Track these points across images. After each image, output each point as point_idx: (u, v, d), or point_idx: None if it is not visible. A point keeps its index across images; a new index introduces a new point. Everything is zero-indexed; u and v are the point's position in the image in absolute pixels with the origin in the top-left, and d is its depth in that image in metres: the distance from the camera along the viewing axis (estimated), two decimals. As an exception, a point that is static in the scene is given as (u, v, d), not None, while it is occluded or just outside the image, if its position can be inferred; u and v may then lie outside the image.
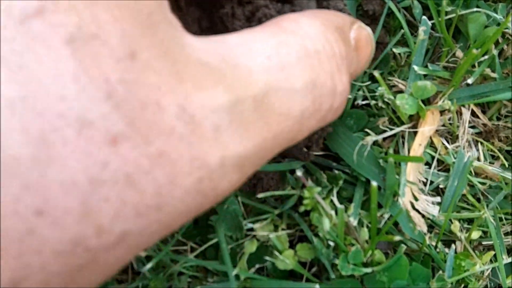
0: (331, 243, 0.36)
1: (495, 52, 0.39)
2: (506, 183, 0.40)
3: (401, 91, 0.41)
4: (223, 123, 0.16)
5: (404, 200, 0.38)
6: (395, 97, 0.39)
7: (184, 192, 0.15)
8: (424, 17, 0.40)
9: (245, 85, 0.17)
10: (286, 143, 0.19)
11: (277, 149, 0.19)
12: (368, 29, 0.28)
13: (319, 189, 0.37)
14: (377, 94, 0.39)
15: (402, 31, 0.41)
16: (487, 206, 0.40)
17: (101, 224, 0.13)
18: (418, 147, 0.40)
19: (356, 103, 0.40)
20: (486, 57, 0.40)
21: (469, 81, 0.39)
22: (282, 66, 0.18)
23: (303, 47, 0.19)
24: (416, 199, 0.39)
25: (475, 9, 0.39)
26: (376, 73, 0.38)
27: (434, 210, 0.39)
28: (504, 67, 0.41)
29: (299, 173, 0.37)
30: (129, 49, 0.14)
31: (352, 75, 0.27)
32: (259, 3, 0.34)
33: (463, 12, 0.40)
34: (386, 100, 0.39)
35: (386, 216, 0.38)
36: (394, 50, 0.41)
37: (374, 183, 0.33)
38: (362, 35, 0.26)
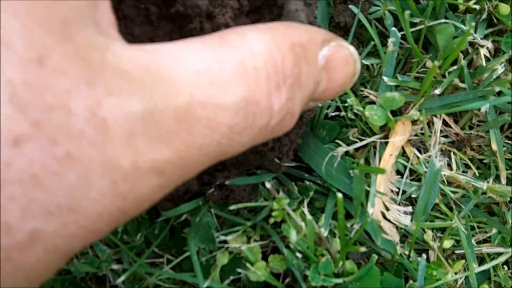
0: (299, 255, 0.37)
1: (463, 62, 0.40)
2: (477, 191, 0.40)
3: (373, 102, 0.41)
4: (137, 130, 0.16)
5: (374, 211, 0.38)
6: (364, 108, 0.39)
7: (100, 193, 0.15)
8: (393, 28, 0.41)
9: (166, 96, 0.17)
10: (217, 156, 0.19)
11: (207, 160, 0.19)
12: (351, 49, 0.26)
13: (287, 200, 0.37)
14: (346, 105, 0.39)
15: (374, 42, 0.41)
16: (460, 213, 0.40)
17: (8, 222, 0.14)
18: (388, 158, 0.40)
19: (327, 113, 0.41)
20: (455, 67, 0.40)
21: (437, 91, 0.39)
22: (212, 82, 0.18)
23: (241, 63, 0.19)
24: (388, 209, 0.39)
25: (443, 20, 0.40)
26: (345, 85, 0.38)
27: (406, 220, 0.39)
28: (474, 77, 0.41)
29: (268, 185, 0.38)
30: (36, 54, 0.14)
31: (322, 96, 0.25)
32: (221, 21, 0.35)
33: (432, 23, 0.40)
34: (356, 111, 0.39)
35: (356, 226, 0.38)
36: (365, 61, 0.41)
37: (339, 195, 0.34)
38: (339, 54, 0.25)
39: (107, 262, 0.41)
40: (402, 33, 0.41)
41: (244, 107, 0.19)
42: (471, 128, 0.43)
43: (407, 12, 0.37)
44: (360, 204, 0.37)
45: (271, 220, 0.37)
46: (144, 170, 0.16)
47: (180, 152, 0.17)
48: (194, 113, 0.17)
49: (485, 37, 0.42)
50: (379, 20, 0.44)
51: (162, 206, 0.41)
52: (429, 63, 0.41)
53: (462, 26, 0.40)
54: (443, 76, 0.41)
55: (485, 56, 0.40)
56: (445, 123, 0.42)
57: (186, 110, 0.17)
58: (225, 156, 0.20)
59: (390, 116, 0.39)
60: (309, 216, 0.37)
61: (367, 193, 0.39)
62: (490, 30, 0.42)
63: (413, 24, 0.41)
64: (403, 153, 0.42)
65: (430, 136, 0.41)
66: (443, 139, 0.42)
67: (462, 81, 0.41)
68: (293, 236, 0.35)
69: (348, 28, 0.43)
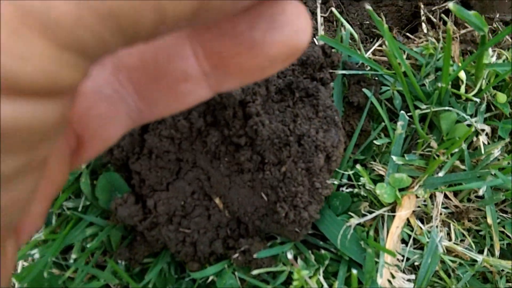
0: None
1: (464, 146, 0.44)
2: (474, 261, 0.45)
3: (381, 175, 0.46)
4: None
5: (382, 280, 0.42)
6: (375, 184, 0.44)
7: None
8: (402, 112, 0.45)
9: None
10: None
11: None
12: None
13: (307, 272, 0.41)
14: (360, 183, 0.44)
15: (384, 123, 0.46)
16: (458, 281, 0.45)
17: None
18: (395, 229, 0.45)
19: (342, 189, 0.45)
20: (456, 150, 0.45)
21: (440, 174, 0.44)
22: None
23: None
24: (393, 277, 0.44)
25: (447, 108, 0.44)
26: (359, 166, 0.43)
27: (409, 287, 0.44)
28: (473, 157, 0.46)
29: (289, 256, 0.42)
30: None
31: None
32: (252, 110, 0.39)
33: (437, 109, 0.45)
34: (368, 188, 0.44)
35: (366, 294, 0.43)
36: (376, 142, 0.46)
37: (354, 271, 0.38)
38: None
39: (138, 317, 0.45)
40: (409, 114, 0.46)
41: None
42: (469, 200, 0.47)
43: (417, 111, 0.42)
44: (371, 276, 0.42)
45: (291, 288, 0.42)
46: None
47: None
48: None
49: (485, 120, 0.46)
50: (388, 100, 0.48)
51: (189, 266, 0.45)
52: (433, 143, 0.46)
53: (463, 114, 0.44)
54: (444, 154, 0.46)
55: (483, 140, 0.45)
56: (445, 195, 0.47)
57: None
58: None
59: (398, 194, 0.43)
60: (325, 285, 0.41)
61: (376, 262, 0.43)
62: (488, 114, 0.47)
63: (419, 107, 0.46)
64: (408, 223, 0.46)
65: (432, 207, 0.46)
66: (443, 210, 0.47)
67: (462, 160, 0.46)
68: (311, 306, 0.40)
69: (361, 107, 0.47)
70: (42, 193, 0.17)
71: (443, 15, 0.54)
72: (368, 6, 0.40)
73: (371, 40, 0.62)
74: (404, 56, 0.48)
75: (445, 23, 0.58)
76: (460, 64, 0.45)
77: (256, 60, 0.17)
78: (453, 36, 0.47)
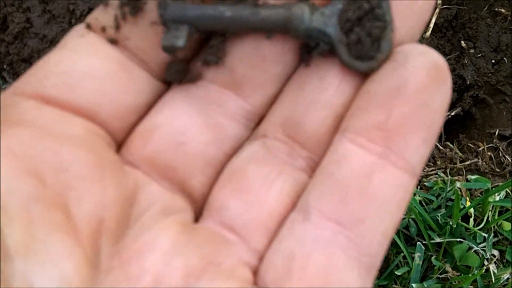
0: None
1: (476, 272, 0.49)
2: None
3: (403, 298, 0.51)
4: None
5: None
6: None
7: None
8: (418, 243, 0.51)
9: None
10: None
11: None
12: None
13: None
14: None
15: (402, 253, 0.51)
16: None
17: None
18: None
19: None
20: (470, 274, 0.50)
21: (457, 302, 0.49)
22: None
23: None
24: None
25: (458, 239, 0.50)
26: (384, 300, 0.48)
27: None
28: (485, 278, 0.51)
29: None
30: None
31: None
32: None
33: (449, 239, 0.50)
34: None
35: None
36: (397, 272, 0.51)
37: None
38: None
39: None
40: (425, 242, 0.51)
41: None
42: (485, 315, 0.52)
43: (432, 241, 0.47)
44: None
45: None
46: None
47: None
48: None
49: (494, 244, 0.52)
50: (405, 227, 0.54)
51: None
52: (448, 267, 0.51)
53: (474, 245, 0.50)
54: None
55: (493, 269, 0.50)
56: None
57: None
58: None
59: (421, 322, 0.48)
60: None
61: None
62: (496, 239, 0.52)
63: (432, 237, 0.51)
64: None
65: (451, 325, 0.51)
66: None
67: (475, 281, 0.51)
68: None
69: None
70: None
71: (448, 143, 0.59)
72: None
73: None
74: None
75: (450, 131, 0.64)
76: (468, 199, 0.51)
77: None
78: (460, 166, 0.53)
